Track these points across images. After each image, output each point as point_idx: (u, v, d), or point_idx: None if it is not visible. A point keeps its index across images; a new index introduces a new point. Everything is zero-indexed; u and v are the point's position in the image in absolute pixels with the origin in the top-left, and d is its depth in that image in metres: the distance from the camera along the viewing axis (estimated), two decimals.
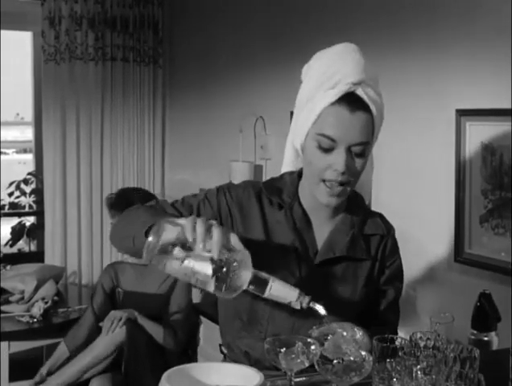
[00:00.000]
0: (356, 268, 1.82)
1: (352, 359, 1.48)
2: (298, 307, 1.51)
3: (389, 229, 1.90)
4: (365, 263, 1.83)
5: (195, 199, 1.81)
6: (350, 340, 1.61)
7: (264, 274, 1.48)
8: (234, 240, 1.46)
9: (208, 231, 1.42)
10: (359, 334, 1.65)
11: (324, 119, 1.70)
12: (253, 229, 1.78)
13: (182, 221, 1.45)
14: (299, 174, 1.85)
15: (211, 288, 1.46)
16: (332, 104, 1.68)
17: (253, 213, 1.79)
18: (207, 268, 1.44)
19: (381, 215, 1.92)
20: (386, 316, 1.89)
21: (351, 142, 1.68)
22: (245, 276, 1.46)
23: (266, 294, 1.50)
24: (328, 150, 1.69)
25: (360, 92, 1.69)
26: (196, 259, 1.44)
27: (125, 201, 3.51)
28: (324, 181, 1.71)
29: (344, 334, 1.62)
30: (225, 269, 1.44)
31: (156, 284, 3.51)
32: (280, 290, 1.50)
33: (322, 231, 1.82)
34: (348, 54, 1.72)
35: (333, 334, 1.60)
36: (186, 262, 1.44)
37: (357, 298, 1.82)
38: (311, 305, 1.51)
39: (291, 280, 1.67)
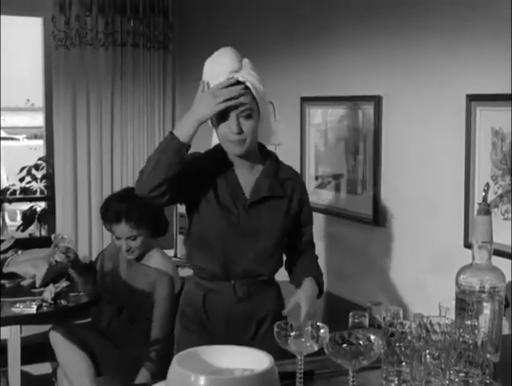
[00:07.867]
0: (276, 205, 2.37)
1: (361, 343, 1.50)
2: None
3: (297, 174, 2.52)
4: (283, 200, 2.38)
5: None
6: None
7: None
8: None
9: None
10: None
11: None
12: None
13: None
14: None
15: None
16: None
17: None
18: None
19: (290, 167, 2.48)
20: (307, 247, 2.49)
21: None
22: None
23: None
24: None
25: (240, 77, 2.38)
26: None
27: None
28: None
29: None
30: None
31: (143, 281, 3.34)
32: None
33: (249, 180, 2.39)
34: (222, 53, 2.50)
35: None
36: None
37: (278, 227, 2.37)
38: None
39: (233, 217, 2.33)
